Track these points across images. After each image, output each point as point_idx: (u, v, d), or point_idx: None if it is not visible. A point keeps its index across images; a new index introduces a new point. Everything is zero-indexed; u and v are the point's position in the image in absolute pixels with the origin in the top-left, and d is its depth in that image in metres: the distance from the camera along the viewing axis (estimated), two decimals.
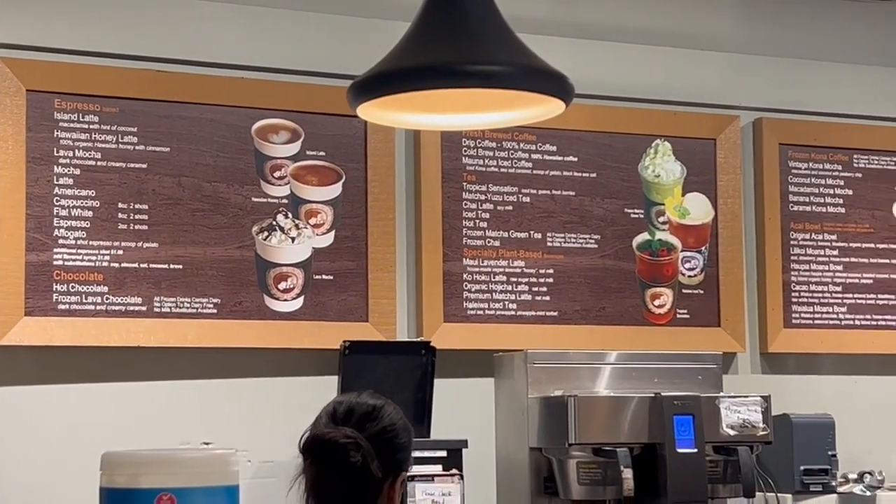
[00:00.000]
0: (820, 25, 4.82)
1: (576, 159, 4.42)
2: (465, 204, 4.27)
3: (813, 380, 4.73)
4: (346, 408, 2.34)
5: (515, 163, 4.35)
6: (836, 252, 4.78)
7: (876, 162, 4.85)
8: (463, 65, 2.16)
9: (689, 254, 4.55)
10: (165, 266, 3.94)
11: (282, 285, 4.04)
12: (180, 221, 3.96)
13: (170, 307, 3.93)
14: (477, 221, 4.27)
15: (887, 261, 4.84)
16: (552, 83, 2.29)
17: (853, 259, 4.79)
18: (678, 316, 4.52)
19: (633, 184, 4.49)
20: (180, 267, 3.95)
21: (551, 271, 4.36)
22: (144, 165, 3.94)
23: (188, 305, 3.94)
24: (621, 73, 4.51)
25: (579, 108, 4.28)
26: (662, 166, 4.54)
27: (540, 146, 4.38)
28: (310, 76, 4.13)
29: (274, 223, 4.05)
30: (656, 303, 4.50)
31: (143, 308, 3.90)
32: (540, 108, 2.37)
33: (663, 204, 4.53)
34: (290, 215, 4.07)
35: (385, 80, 2.23)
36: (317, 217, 4.10)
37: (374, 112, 2.38)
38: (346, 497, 2.26)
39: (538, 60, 2.30)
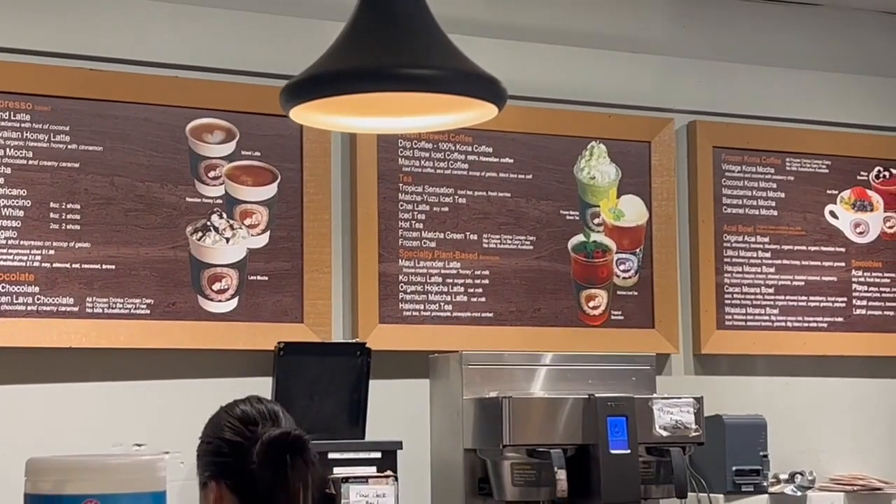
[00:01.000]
0: (753, 29, 4.85)
1: (512, 161, 4.42)
2: (402, 205, 4.25)
3: (745, 381, 4.76)
4: (270, 411, 2.35)
5: (452, 164, 4.35)
6: (768, 254, 4.81)
7: (808, 165, 4.89)
8: (396, 68, 2.16)
9: (623, 256, 4.57)
10: (98, 266, 3.89)
11: (216, 286, 4.02)
12: (113, 221, 3.92)
13: (102, 308, 3.89)
14: (413, 222, 4.27)
15: (818, 263, 4.88)
16: (485, 87, 2.29)
17: (785, 261, 4.83)
18: (613, 317, 4.53)
19: (568, 186, 4.50)
20: (113, 267, 3.91)
21: (487, 273, 4.36)
22: (77, 165, 3.90)
23: (121, 306, 3.90)
24: (556, 75, 4.52)
25: (515, 110, 4.28)
26: (598, 168, 4.55)
27: (476, 147, 4.38)
28: (245, 76, 4.09)
29: (208, 223, 4.02)
30: (591, 304, 4.51)
31: (75, 309, 3.86)
32: (473, 112, 2.37)
33: (598, 206, 4.54)
34: (224, 216, 4.04)
35: (317, 84, 2.22)
36: (252, 217, 4.07)
37: (307, 115, 2.37)
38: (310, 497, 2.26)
39: (471, 64, 2.30)
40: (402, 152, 4.28)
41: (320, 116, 2.35)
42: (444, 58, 2.20)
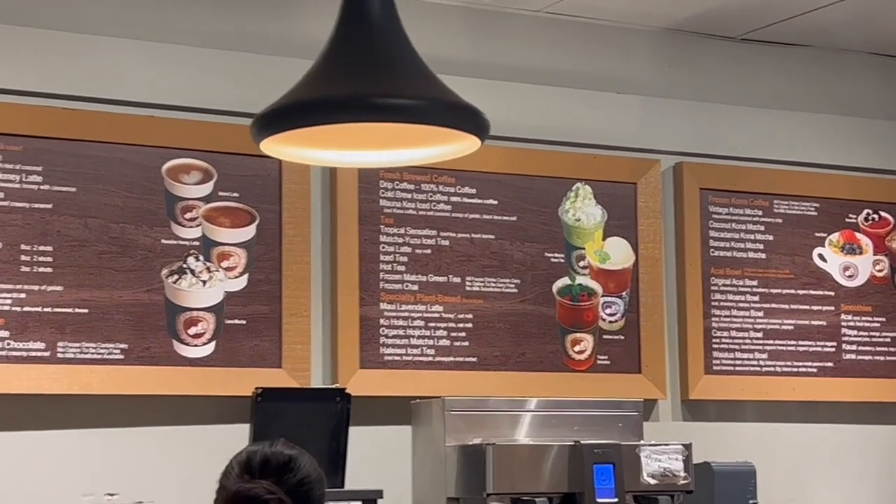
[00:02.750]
0: (740, 70, 4.81)
1: (495, 202, 4.36)
2: (383, 247, 4.19)
3: (734, 427, 4.69)
4: (262, 458, 2.24)
5: (434, 205, 4.28)
6: (756, 298, 4.75)
7: (796, 207, 4.83)
8: (370, 98, 2.06)
9: (609, 299, 4.50)
10: (70, 310, 3.81)
11: (192, 330, 3.94)
12: (86, 264, 3.84)
13: (74, 353, 3.81)
14: (394, 265, 4.20)
15: (807, 307, 4.81)
16: (467, 118, 2.19)
17: (774, 305, 4.77)
18: (598, 362, 4.46)
19: (553, 227, 4.44)
20: (86, 311, 3.82)
21: (470, 316, 4.29)
22: (49, 206, 3.82)
23: (94, 351, 3.82)
24: (541, 115, 4.46)
25: (499, 151, 4.32)
26: (583, 210, 4.49)
27: (459, 189, 4.32)
28: (223, 115, 4.03)
29: (184, 266, 3.95)
30: (577, 349, 4.43)
31: (47, 354, 3.77)
32: (454, 146, 2.27)
33: (584, 248, 4.48)
34: (201, 258, 3.97)
35: (288, 114, 2.13)
36: (229, 260, 4.00)
37: (278, 148, 2.28)
38: None
39: (452, 95, 2.21)
40: (383, 193, 4.22)
41: (293, 149, 2.25)
42: (424, 87, 2.11)
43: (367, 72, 2.09)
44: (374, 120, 2.05)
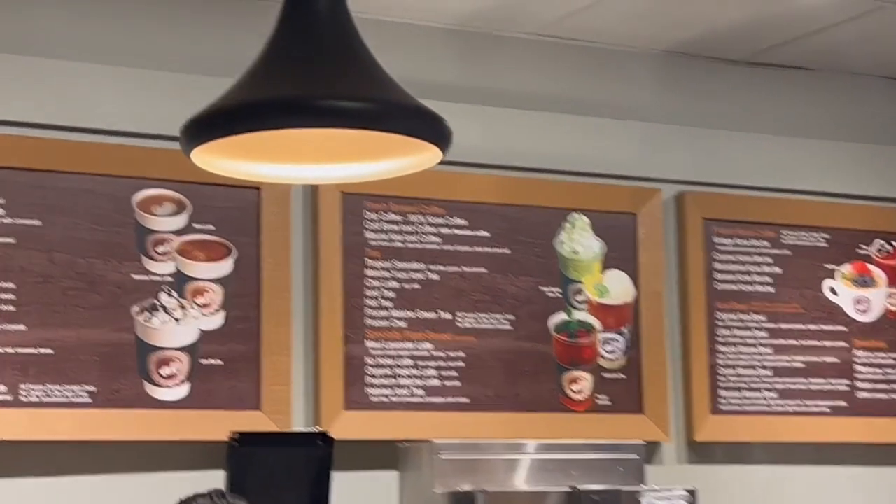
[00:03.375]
0: (744, 94, 4.67)
1: (488, 234, 4.22)
2: (368, 281, 4.04)
3: (742, 470, 4.52)
4: None
5: (423, 237, 4.14)
6: (764, 333, 4.58)
7: (805, 238, 4.68)
8: (314, 99, 1.82)
9: (609, 335, 4.34)
10: (34, 350, 3.65)
11: (165, 371, 3.78)
12: (51, 301, 3.68)
13: (38, 396, 3.64)
14: (381, 300, 4.06)
15: (818, 343, 4.64)
16: (426, 125, 1.96)
17: (783, 341, 4.60)
18: (598, 402, 4.30)
19: (549, 260, 4.29)
20: (51, 351, 3.67)
21: (462, 354, 4.14)
22: (12, 240, 3.67)
23: (59, 394, 3.66)
24: (536, 142, 4.32)
25: (491, 180, 4.21)
26: (580, 242, 4.34)
27: (449, 220, 4.18)
28: None
29: (156, 303, 3.80)
30: (574, 388, 4.27)
31: (9, 397, 3.61)
32: (411, 158, 2.03)
33: (581, 282, 4.33)
34: (174, 294, 3.82)
35: (219, 119, 1.89)
36: (204, 296, 3.85)
37: (210, 159, 2.04)
38: None
39: (409, 98, 1.98)
40: (368, 225, 4.08)
41: (226, 162, 2.02)
42: (376, 89, 1.87)
43: (309, 72, 1.85)
44: (316, 125, 1.81)
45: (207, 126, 1.89)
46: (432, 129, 1.94)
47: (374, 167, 2.04)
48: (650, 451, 4.29)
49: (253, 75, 1.91)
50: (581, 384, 4.28)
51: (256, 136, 1.88)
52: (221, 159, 1.99)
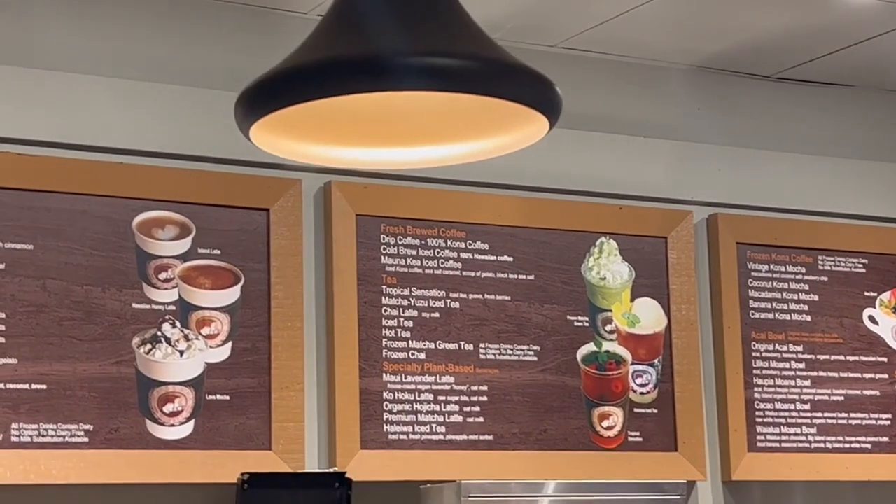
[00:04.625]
0: (779, 112, 4.52)
1: (511, 259, 4.06)
2: (385, 310, 3.89)
3: None
4: None
5: (442, 263, 3.98)
6: (802, 365, 4.40)
7: (843, 264, 4.51)
8: (401, 56, 1.53)
9: (640, 367, 4.15)
10: (26, 386, 3.48)
11: (168, 408, 3.61)
12: (45, 332, 3.52)
13: (31, 436, 3.47)
14: (399, 330, 3.89)
15: (858, 375, 4.46)
16: (535, 87, 1.68)
17: (821, 373, 4.42)
18: (630, 439, 4.12)
19: (575, 287, 4.12)
20: (44, 387, 3.50)
21: (485, 388, 3.97)
22: (2, 266, 3.51)
23: (53, 433, 3.50)
24: (560, 162, 4.16)
25: (514, 202, 4.08)
26: (608, 267, 4.17)
27: (470, 244, 4.02)
28: (201, 161, 3.74)
29: (159, 334, 3.63)
30: (605, 424, 4.09)
31: None
32: (513, 134, 1.75)
33: (610, 310, 4.15)
34: (177, 324, 3.66)
35: (282, 85, 1.60)
36: (210, 326, 3.69)
37: (273, 140, 1.76)
38: None
39: (511, 57, 1.70)
40: (385, 249, 3.93)
41: (294, 144, 1.74)
42: (469, 45, 1.59)
43: (391, 26, 1.56)
44: (404, 87, 1.52)
45: (268, 94, 1.59)
46: (543, 95, 1.67)
47: (469, 147, 1.74)
48: (685, 490, 4.07)
49: (322, 33, 1.63)
50: (611, 420, 4.10)
51: (320, 116, 1.59)
52: (283, 139, 1.70)
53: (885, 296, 4.52)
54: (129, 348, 3.58)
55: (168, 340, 3.62)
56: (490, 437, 3.94)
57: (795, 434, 4.34)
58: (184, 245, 3.69)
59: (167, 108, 3.71)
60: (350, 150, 1.77)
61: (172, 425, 3.60)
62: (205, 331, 3.67)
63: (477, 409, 3.94)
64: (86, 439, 3.50)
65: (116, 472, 3.52)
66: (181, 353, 3.63)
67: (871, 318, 4.49)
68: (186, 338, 3.64)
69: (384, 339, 3.87)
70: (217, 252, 3.72)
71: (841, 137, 4.58)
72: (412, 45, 1.54)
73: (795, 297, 4.41)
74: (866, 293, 4.50)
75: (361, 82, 1.51)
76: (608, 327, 4.13)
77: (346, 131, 1.71)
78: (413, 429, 3.87)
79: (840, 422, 4.40)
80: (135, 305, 3.61)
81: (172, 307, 3.65)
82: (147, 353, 3.59)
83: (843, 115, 4.59)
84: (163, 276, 3.65)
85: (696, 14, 3.96)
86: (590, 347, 4.10)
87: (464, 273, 4.00)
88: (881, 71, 4.42)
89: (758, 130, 4.47)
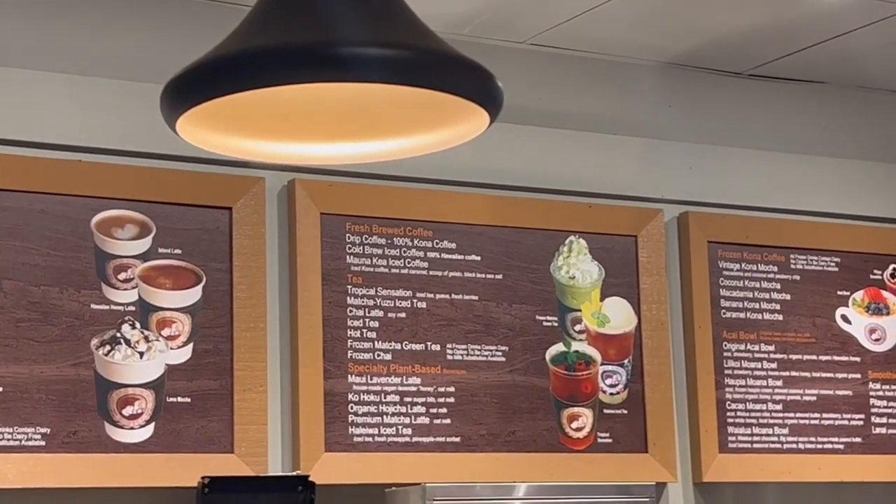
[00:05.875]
0: (751, 109, 4.49)
1: (479, 258, 4.02)
2: (350, 310, 3.84)
3: None
4: None
5: (409, 262, 3.94)
6: (774, 365, 4.37)
7: (815, 262, 4.48)
8: (336, 46, 1.47)
9: (610, 368, 4.11)
10: None
11: (127, 410, 3.56)
12: (1, 334, 3.47)
13: None
14: (364, 331, 3.85)
15: (831, 375, 4.42)
16: (473, 79, 1.63)
17: (794, 373, 4.38)
18: (599, 440, 4.08)
19: (544, 287, 4.08)
20: (0, 389, 3.44)
21: (452, 389, 3.93)
22: None
23: (9, 436, 3.44)
24: (528, 160, 4.13)
25: (481, 200, 4.04)
26: (577, 266, 4.13)
27: (437, 243, 3.98)
28: (162, 159, 3.68)
29: (118, 335, 3.58)
30: (574, 425, 4.05)
31: None
32: (451, 129, 1.70)
33: (580, 310, 4.11)
34: (137, 325, 3.61)
35: (209, 76, 1.54)
36: (171, 327, 3.64)
37: (201, 134, 1.71)
38: None
39: (450, 48, 1.65)
40: (350, 249, 3.88)
41: (222, 139, 1.68)
42: (410, 37, 1.53)
43: (328, 14, 1.50)
44: (339, 78, 1.46)
45: (196, 85, 1.54)
46: (483, 87, 1.61)
47: (403, 143, 1.69)
48: (656, 492, 4.03)
49: (252, 23, 1.57)
50: (581, 421, 4.07)
51: (251, 110, 1.54)
52: (211, 133, 1.64)
53: (858, 295, 4.48)
54: (88, 350, 3.53)
55: (127, 342, 3.58)
56: (457, 439, 3.91)
57: (767, 435, 4.30)
58: (144, 244, 3.64)
59: (127, 106, 3.65)
60: (281, 145, 1.71)
61: (132, 428, 3.55)
62: (165, 332, 3.62)
63: (444, 410, 3.91)
64: (43, 443, 3.45)
65: (75, 475, 3.47)
66: (141, 354, 3.58)
67: (844, 318, 4.45)
68: (146, 339, 3.59)
69: (349, 340, 3.82)
70: (178, 252, 3.68)
71: (813, 135, 4.56)
72: (352, 34, 1.48)
73: (767, 296, 4.38)
74: (839, 292, 4.47)
75: (296, 73, 1.46)
76: (577, 327, 4.09)
77: (277, 125, 1.65)
78: (379, 431, 3.83)
79: (812, 422, 4.37)
80: (93, 306, 3.56)
81: (132, 308, 3.60)
82: (106, 355, 3.55)
83: (815, 113, 4.57)
84: (122, 276, 3.60)
85: (667, 11, 3.92)
86: (559, 348, 4.06)
87: (431, 272, 3.96)
88: (853, 67, 4.39)
89: (729, 128, 4.44)
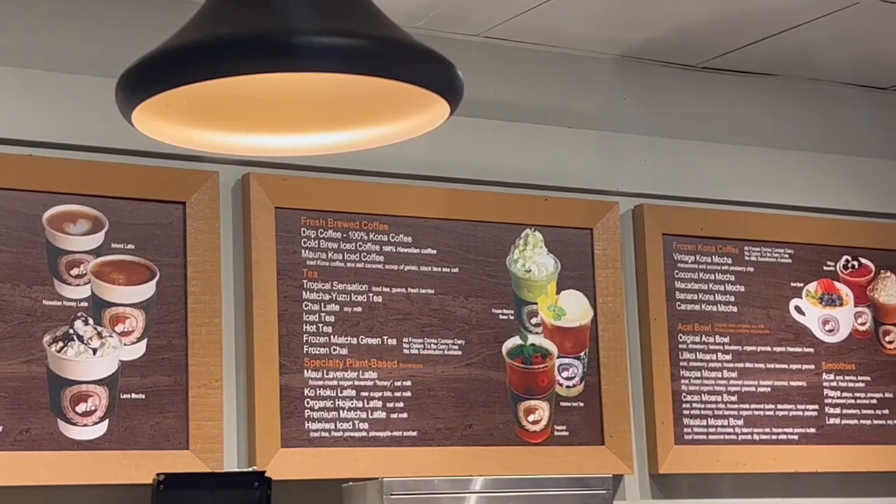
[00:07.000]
0: (705, 102, 4.47)
1: (435, 252, 3.99)
2: (306, 305, 3.79)
3: None
4: None
5: (365, 256, 3.90)
6: (729, 357, 4.35)
7: (769, 254, 4.47)
8: (284, 36, 1.45)
9: (566, 360, 4.09)
10: None
11: (81, 407, 3.50)
12: None
13: None
14: (320, 325, 3.80)
15: (785, 366, 4.42)
16: (434, 69, 1.61)
17: (748, 364, 4.37)
18: (556, 433, 4.05)
19: (501, 280, 4.05)
20: None
21: (409, 384, 3.89)
22: None
23: None
24: (484, 153, 4.10)
25: (437, 193, 4.01)
26: (533, 259, 4.10)
27: (393, 237, 3.94)
28: (115, 154, 3.62)
29: (71, 331, 3.51)
30: (531, 418, 4.02)
31: None
32: (411, 119, 1.68)
33: (536, 303, 4.08)
34: (90, 321, 3.54)
35: (165, 66, 1.52)
36: (125, 323, 3.58)
37: (158, 126, 1.68)
38: None
39: (409, 37, 1.63)
40: (305, 243, 3.83)
41: (178, 130, 1.66)
42: (367, 26, 1.51)
43: (278, 4, 1.49)
44: (294, 68, 1.44)
45: (151, 75, 1.51)
46: (443, 77, 1.59)
47: (362, 133, 1.67)
48: (612, 484, 4.00)
49: (207, 13, 1.55)
50: (537, 414, 4.05)
51: (206, 102, 1.52)
52: (166, 124, 1.62)
53: (812, 286, 4.48)
54: (40, 346, 3.46)
55: (80, 338, 3.51)
56: (414, 434, 3.87)
57: (722, 426, 4.29)
58: (96, 240, 3.58)
59: (78, 100, 3.59)
60: (238, 136, 1.69)
61: (86, 425, 3.49)
62: (119, 328, 3.56)
63: (401, 404, 3.87)
64: None
65: (28, 473, 3.40)
66: (94, 350, 3.52)
67: (798, 309, 4.45)
68: (100, 335, 3.53)
69: (305, 335, 3.77)
70: (131, 247, 3.61)
71: (767, 127, 4.53)
72: (308, 23, 1.46)
73: (722, 287, 4.36)
74: (793, 283, 4.46)
75: (250, 63, 1.44)
76: (534, 320, 4.07)
77: (233, 117, 1.63)
78: (335, 426, 3.78)
79: (767, 413, 4.36)
80: (45, 302, 3.49)
81: (85, 304, 3.54)
82: (59, 352, 3.48)
83: (768, 105, 4.55)
84: (75, 271, 3.54)
85: (620, 3, 3.90)
86: (515, 341, 4.03)
87: (387, 266, 3.91)
88: (806, 60, 4.38)
89: (683, 120, 4.42)
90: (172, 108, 1.50)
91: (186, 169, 3.65)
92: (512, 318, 4.04)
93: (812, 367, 4.45)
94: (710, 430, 4.27)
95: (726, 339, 4.34)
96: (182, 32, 1.53)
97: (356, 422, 3.80)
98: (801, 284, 4.47)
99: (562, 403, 4.06)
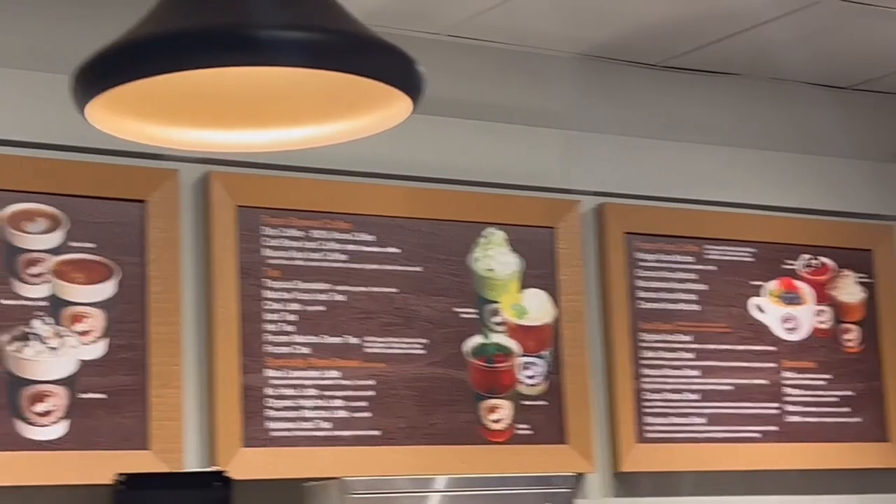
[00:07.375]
0: (666, 101, 4.46)
1: (398, 251, 3.97)
2: (267, 304, 3.77)
3: (670, 502, 4.29)
4: None
5: (327, 255, 3.87)
6: (691, 355, 4.36)
7: (730, 253, 4.47)
8: (243, 29, 1.43)
9: (528, 359, 4.08)
10: None
11: (39, 407, 3.47)
12: None
13: None
14: (281, 325, 3.78)
15: (747, 364, 4.42)
16: (395, 64, 1.60)
17: (710, 363, 4.38)
18: (518, 432, 4.05)
19: (463, 279, 4.03)
20: None
21: (371, 382, 3.87)
22: None
23: None
24: (446, 151, 4.09)
25: (400, 192, 3.99)
26: (496, 258, 4.09)
27: (355, 235, 3.92)
28: (74, 151, 3.58)
29: (29, 331, 3.48)
30: (493, 417, 4.02)
31: None
32: (373, 115, 1.67)
33: (498, 302, 4.07)
34: (49, 321, 3.51)
35: (122, 60, 1.50)
36: (84, 322, 3.55)
37: (114, 120, 1.66)
38: None
39: (369, 31, 1.62)
40: (266, 241, 3.81)
41: (133, 124, 1.64)
42: (326, 20, 1.50)
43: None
44: (254, 62, 1.43)
45: (107, 70, 1.49)
46: (404, 71, 1.58)
47: (322, 129, 1.65)
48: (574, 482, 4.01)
49: (165, 7, 1.53)
50: (500, 413, 4.04)
51: (165, 97, 1.50)
52: (123, 119, 1.60)
53: (772, 284, 4.49)
54: None
55: (39, 337, 3.48)
56: (377, 433, 3.85)
57: (684, 424, 4.29)
58: (55, 238, 3.54)
59: (36, 97, 3.55)
60: (197, 132, 1.67)
61: (44, 425, 3.45)
62: (78, 327, 3.53)
63: (363, 403, 3.85)
64: None
65: None
66: (53, 350, 3.49)
67: (759, 307, 4.45)
68: (59, 334, 3.50)
69: (266, 334, 3.75)
70: (91, 245, 3.58)
71: (728, 126, 4.54)
72: (268, 16, 1.45)
73: (683, 286, 4.36)
74: (753, 282, 4.46)
75: (209, 56, 1.42)
76: (496, 319, 4.05)
77: (192, 112, 1.61)
78: (297, 425, 3.76)
79: (728, 411, 4.36)
80: (3, 301, 3.45)
81: (44, 303, 3.50)
82: (17, 351, 3.45)
83: (729, 104, 4.55)
84: (33, 270, 3.50)
85: (582, 1, 3.90)
86: (478, 340, 4.02)
87: (349, 265, 3.89)
88: (768, 59, 4.38)
89: (645, 119, 4.41)
90: (130, 103, 1.47)
91: (147, 167, 3.61)
92: (475, 317, 4.02)
93: (773, 365, 4.45)
94: (672, 428, 4.28)
95: (688, 338, 4.34)
96: (140, 26, 1.51)
97: (318, 421, 3.78)
98: (762, 283, 4.48)
99: (524, 402, 4.05)
